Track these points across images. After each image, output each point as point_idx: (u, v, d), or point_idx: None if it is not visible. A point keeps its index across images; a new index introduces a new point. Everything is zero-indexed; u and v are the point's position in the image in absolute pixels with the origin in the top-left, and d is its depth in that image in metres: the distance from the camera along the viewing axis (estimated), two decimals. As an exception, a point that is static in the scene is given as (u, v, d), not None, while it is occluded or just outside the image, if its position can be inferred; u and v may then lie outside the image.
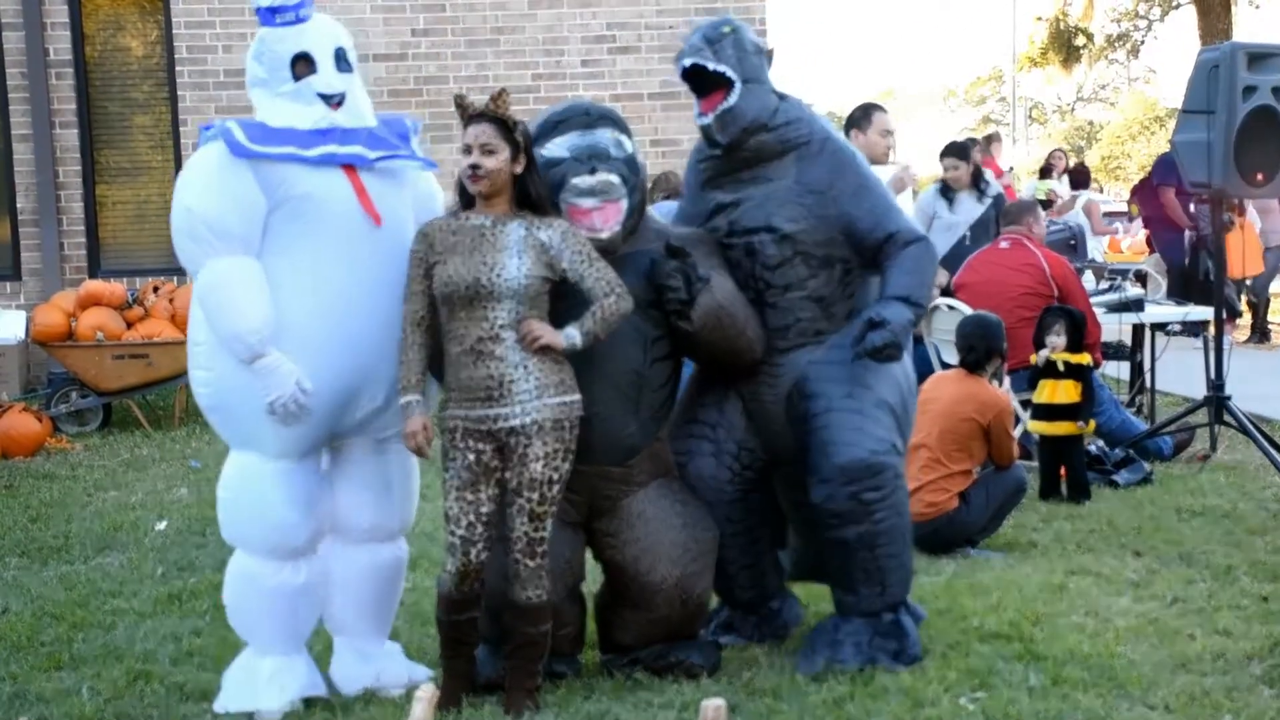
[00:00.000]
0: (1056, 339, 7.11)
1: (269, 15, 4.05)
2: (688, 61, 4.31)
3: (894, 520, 4.31)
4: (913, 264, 4.37)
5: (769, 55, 4.51)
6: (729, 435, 4.52)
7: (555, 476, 3.97)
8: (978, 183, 9.85)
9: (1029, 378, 7.28)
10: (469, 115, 3.99)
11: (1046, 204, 13.99)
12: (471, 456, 3.95)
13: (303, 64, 4.05)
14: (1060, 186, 15.41)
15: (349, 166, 4.02)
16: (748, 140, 4.37)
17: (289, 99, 4.05)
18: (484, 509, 3.97)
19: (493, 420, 3.93)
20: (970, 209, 9.81)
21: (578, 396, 4.01)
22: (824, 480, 4.29)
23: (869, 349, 4.20)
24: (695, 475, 4.50)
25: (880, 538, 4.29)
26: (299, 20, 4.05)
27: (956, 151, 10.18)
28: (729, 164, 4.44)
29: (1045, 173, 16.04)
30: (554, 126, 4.22)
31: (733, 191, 4.45)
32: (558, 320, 4.01)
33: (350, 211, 4.02)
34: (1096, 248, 13.55)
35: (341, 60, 4.10)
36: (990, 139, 14.44)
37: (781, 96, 4.48)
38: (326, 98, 4.05)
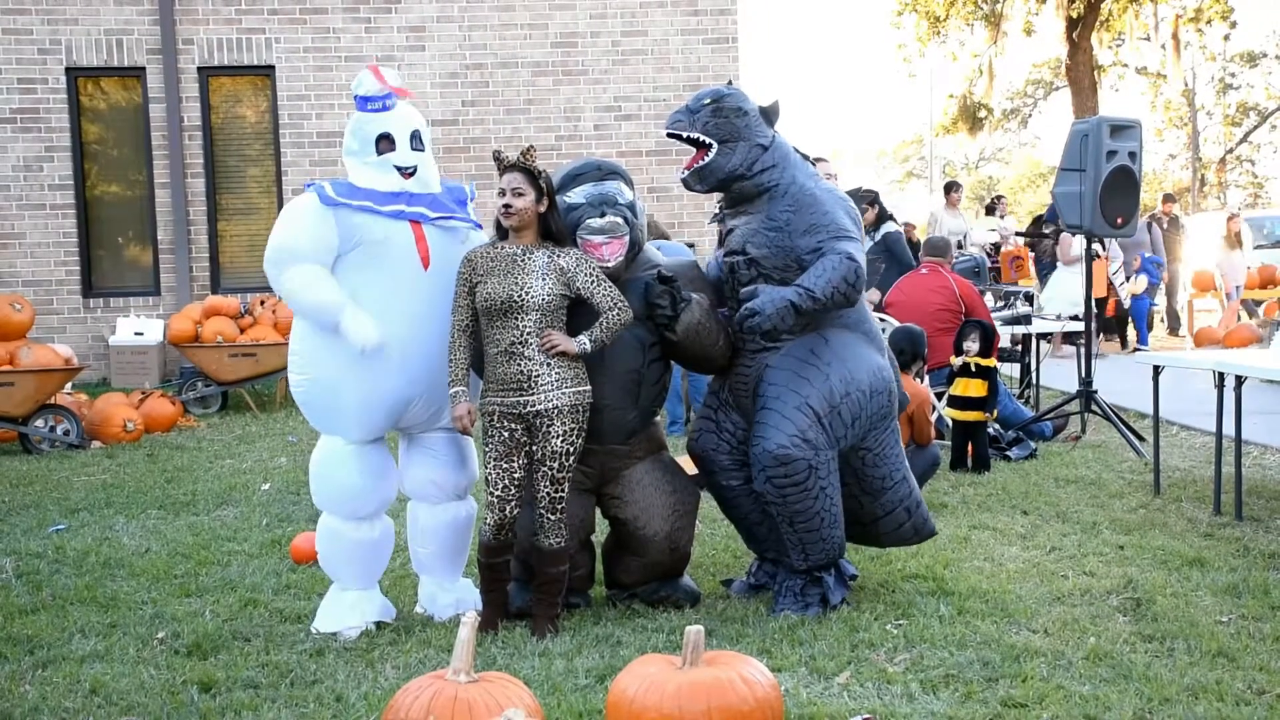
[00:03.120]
0: (972, 345, 7.08)
1: (363, 103, 4.08)
2: (666, 131, 4.29)
3: (807, 503, 4.06)
4: (821, 267, 4.10)
5: (773, 107, 4.32)
6: (725, 418, 4.41)
7: (571, 449, 3.95)
8: (880, 223, 9.85)
9: (945, 375, 7.26)
10: (504, 166, 3.98)
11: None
12: (506, 434, 3.93)
13: (385, 142, 4.06)
14: (1005, 224, 15.45)
15: (415, 221, 4.05)
16: (728, 187, 4.28)
17: (373, 168, 4.06)
18: (516, 475, 3.95)
19: (522, 405, 3.91)
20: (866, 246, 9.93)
21: (588, 387, 3.99)
22: (751, 465, 4.19)
23: (739, 326, 4.09)
24: (700, 448, 4.42)
25: (796, 517, 4.09)
26: (384, 109, 4.08)
27: (861, 199, 10.36)
28: (729, 200, 4.38)
29: (990, 210, 16.07)
30: (573, 179, 4.20)
31: (730, 220, 4.38)
32: (573, 328, 3.99)
33: (411, 255, 4.03)
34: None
35: (416, 140, 4.11)
36: (949, 187, 14.60)
37: (767, 147, 4.24)
38: (401, 169, 4.06)
